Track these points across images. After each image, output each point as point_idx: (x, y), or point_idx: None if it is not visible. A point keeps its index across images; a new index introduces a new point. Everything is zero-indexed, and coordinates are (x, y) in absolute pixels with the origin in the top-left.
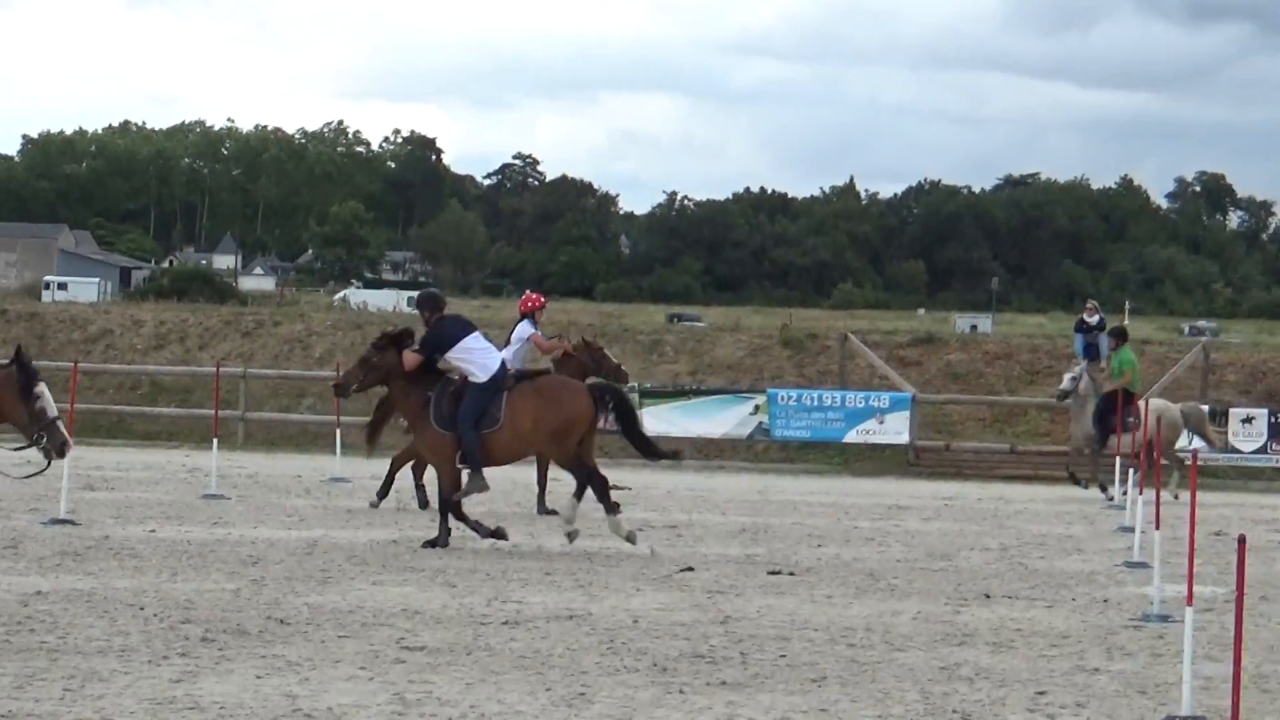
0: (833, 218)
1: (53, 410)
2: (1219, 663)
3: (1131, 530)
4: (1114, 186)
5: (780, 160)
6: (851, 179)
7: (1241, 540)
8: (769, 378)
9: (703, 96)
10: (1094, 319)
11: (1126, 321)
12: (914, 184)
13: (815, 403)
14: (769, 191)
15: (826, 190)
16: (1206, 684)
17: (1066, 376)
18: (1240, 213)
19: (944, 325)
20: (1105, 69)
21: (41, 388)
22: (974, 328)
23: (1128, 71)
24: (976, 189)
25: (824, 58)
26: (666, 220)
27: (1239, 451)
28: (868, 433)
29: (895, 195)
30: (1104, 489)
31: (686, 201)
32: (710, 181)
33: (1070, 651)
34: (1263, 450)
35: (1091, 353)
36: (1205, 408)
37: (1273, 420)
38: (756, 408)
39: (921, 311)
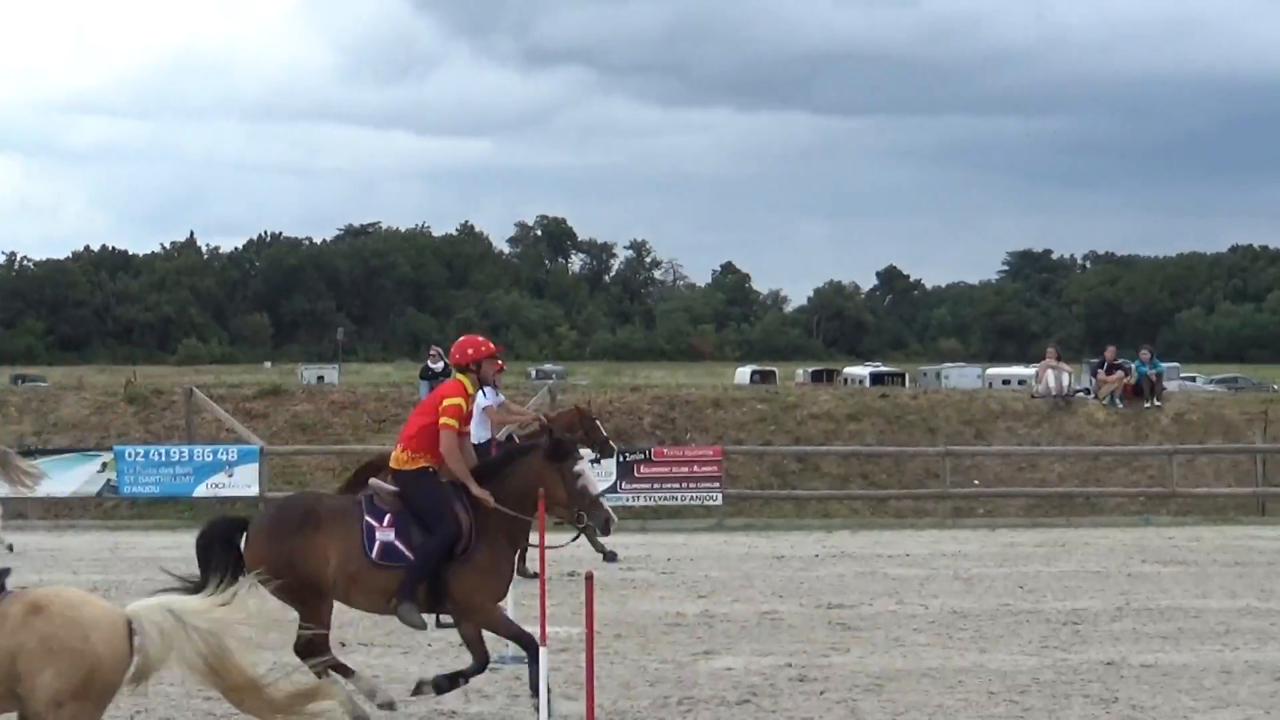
0: (175, 273)
1: (595, 488)
2: (575, 701)
3: None
4: (455, 233)
5: (120, 217)
6: (192, 234)
7: (589, 578)
8: (115, 435)
9: (38, 156)
10: (438, 365)
11: None
12: (255, 237)
13: (163, 458)
14: (110, 249)
15: (167, 246)
16: None
17: None
18: (582, 255)
19: (290, 377)
20: (442, 117)
21: (582, 465)
22: (321, 379)
23: (465, 118)
24: (318, 240)
25: (158, 114)
26: (7, 281)
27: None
28: (218, 486)
29: (237, 249)
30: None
31: (26, 262)
32: (50, 241)
33: (428, 696)
34: (612, 489)
35: None
36: (12, 448)
37: (620, 460)
38: (104, 465)
39: (268, 364)
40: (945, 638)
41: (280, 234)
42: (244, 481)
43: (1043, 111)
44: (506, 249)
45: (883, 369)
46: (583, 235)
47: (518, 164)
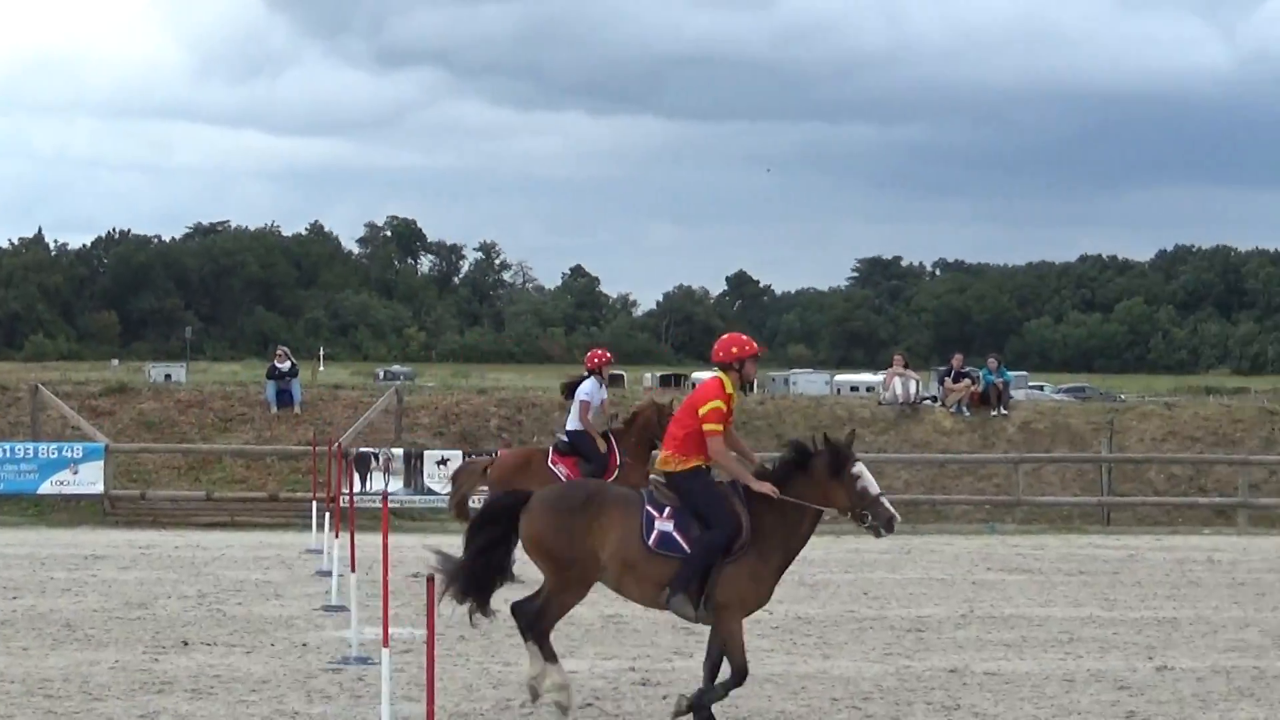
0: (22, 269)
1: (874, 489)
2: (418, 703)
3: (329, 574)
4: (304, 232)
5: None
6: (40, 230)
7: (430, 580)
8: None
9: None
10: (285, 365)
11: (322, 368)
12: (104, 234)
13: (7, 455)
14: None
15: (15, 242)
16: None
17: None
18: (432, 257)
19: (137, 375)
20: (294, 116)
21: (860, 467)
22: (168, 377)
23: (317, 118)
24: (167, 238)
25: (8, 110)
26: None
27: (435, 493)
28: (62, 483)
29: (85, 246)
30: None
31: None
32: None
33: (270, 696)
34: None
35: (284, 398)
36: None
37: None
38: None
39: (115, 362)
40: (789, 644)
41: (129, 231)
42: (89, 479)
43: (896, 118)
44: (356, 249)
45: None
46: (432, 236)
47: (369, 164)
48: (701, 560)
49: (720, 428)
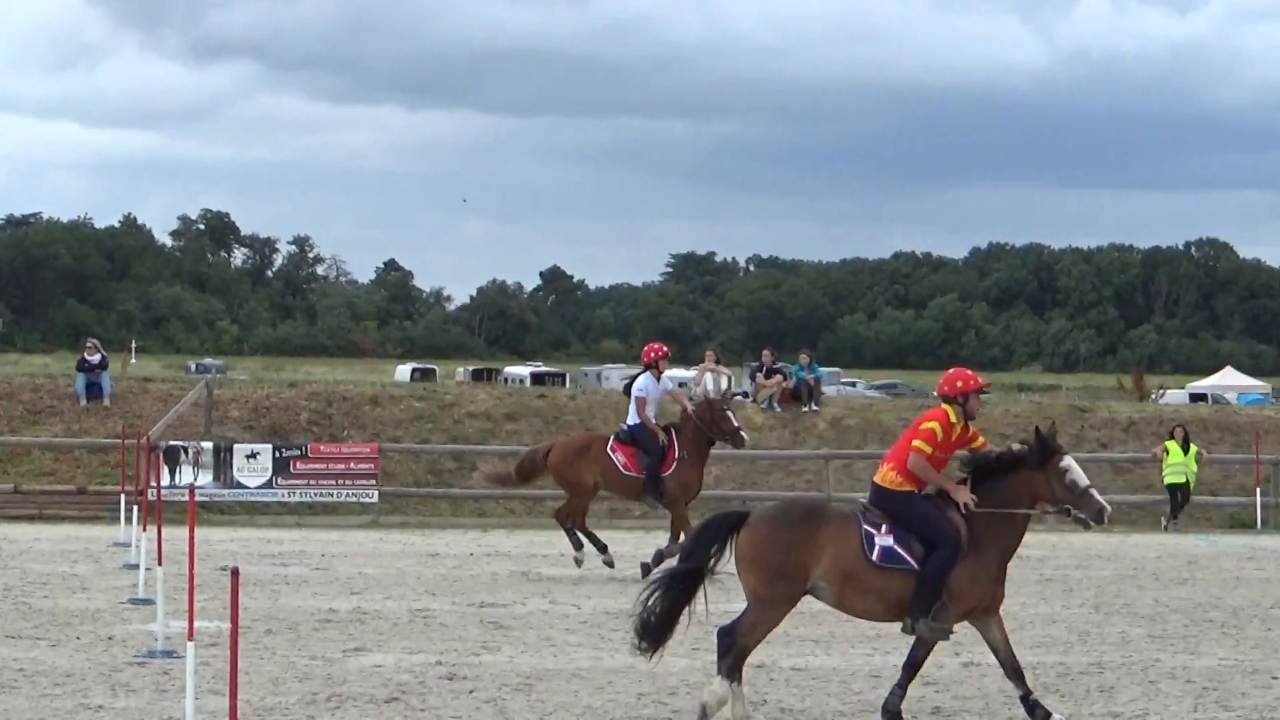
0: None
1: (1083, 480)
2: (223, 697)
3: (137, 567)
4: (118, 225)
5: None
6: None
7: (234, 573)
8: None
9: None
10: (95, 358)
11: (134, 360)
12: None
13: None
14: None
15: None
16: (211, 719)
17: None
18: (245, 250)
19: None
20: (109, 108)
21: (1068, 460)
22: None
23: (132, 110)
24: None
25: None
26: None
27: (245, 487)
28: None
29: None
30: None
31: None
32: None
33: (74, 690)
34: (268, 485)
35: (94, 390)
36: None
37: (276, 456)
38: None
39: None
40: (597, 638)
41: None
42: None
43: (712, 114)
44: (169, 242)
45: (543, 369)
46: (246, 230)
47: (183, 157)
48: (936, 581)
49: (929, 448)
